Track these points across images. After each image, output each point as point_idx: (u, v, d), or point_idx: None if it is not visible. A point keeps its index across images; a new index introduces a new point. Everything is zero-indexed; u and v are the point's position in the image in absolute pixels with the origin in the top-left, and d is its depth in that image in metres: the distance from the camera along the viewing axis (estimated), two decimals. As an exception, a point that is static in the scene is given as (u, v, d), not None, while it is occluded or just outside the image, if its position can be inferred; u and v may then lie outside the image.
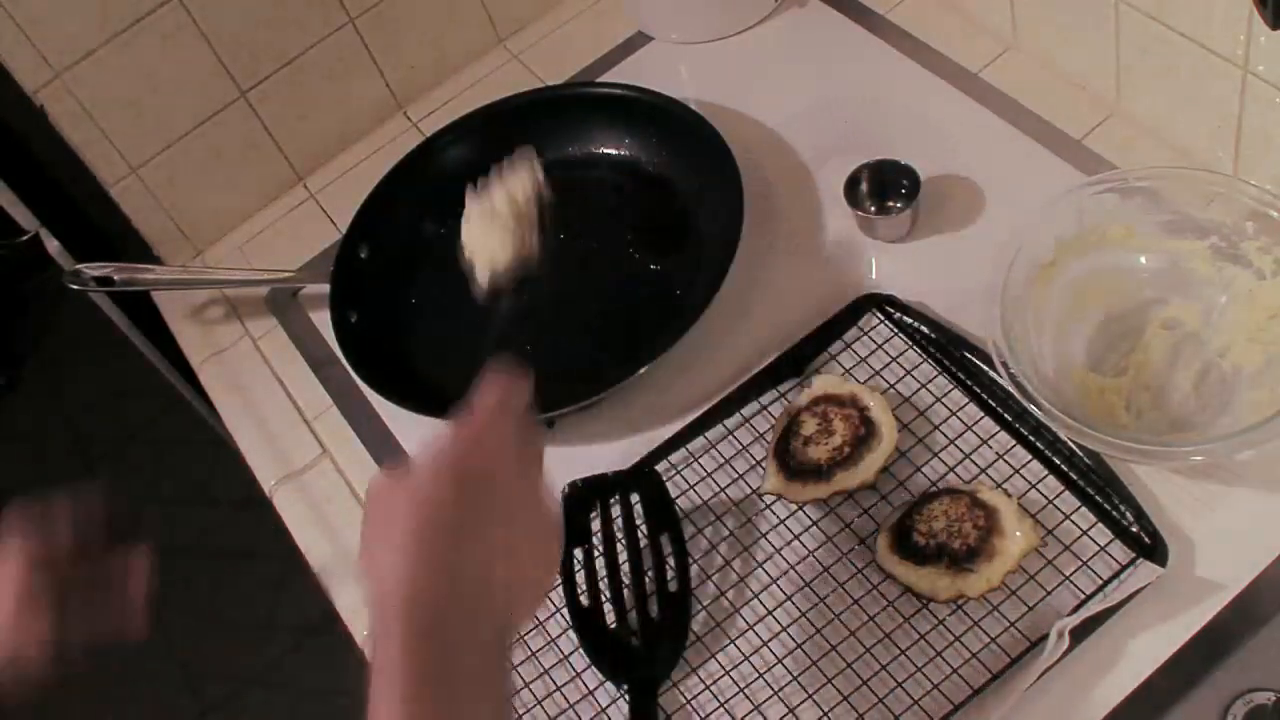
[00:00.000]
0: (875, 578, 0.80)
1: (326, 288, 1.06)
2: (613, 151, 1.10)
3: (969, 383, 0.86)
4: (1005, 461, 0.82)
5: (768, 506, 0.86)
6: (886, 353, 0.90)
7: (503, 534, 0.61)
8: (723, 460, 0.89)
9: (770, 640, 0.80)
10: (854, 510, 0.84)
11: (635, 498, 0.84)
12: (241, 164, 1.18)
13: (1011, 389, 0.79)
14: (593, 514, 0.83)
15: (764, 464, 0.87)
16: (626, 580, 0.80)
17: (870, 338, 0.91)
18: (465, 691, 0.56)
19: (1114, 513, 0.78)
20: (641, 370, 0.92)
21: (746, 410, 0.91)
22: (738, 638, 0.81)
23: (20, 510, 0.75)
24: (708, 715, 0.78)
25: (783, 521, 0.85)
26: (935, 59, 1.08)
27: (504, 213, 0.87)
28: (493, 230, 0.86)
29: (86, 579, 0.76)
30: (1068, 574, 0.77)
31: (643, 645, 0.78)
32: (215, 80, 1.11)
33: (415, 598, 0.57)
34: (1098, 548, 0.78)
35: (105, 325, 1.45)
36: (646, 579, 0.80)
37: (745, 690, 0.79)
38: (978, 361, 0.86)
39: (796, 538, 0.84)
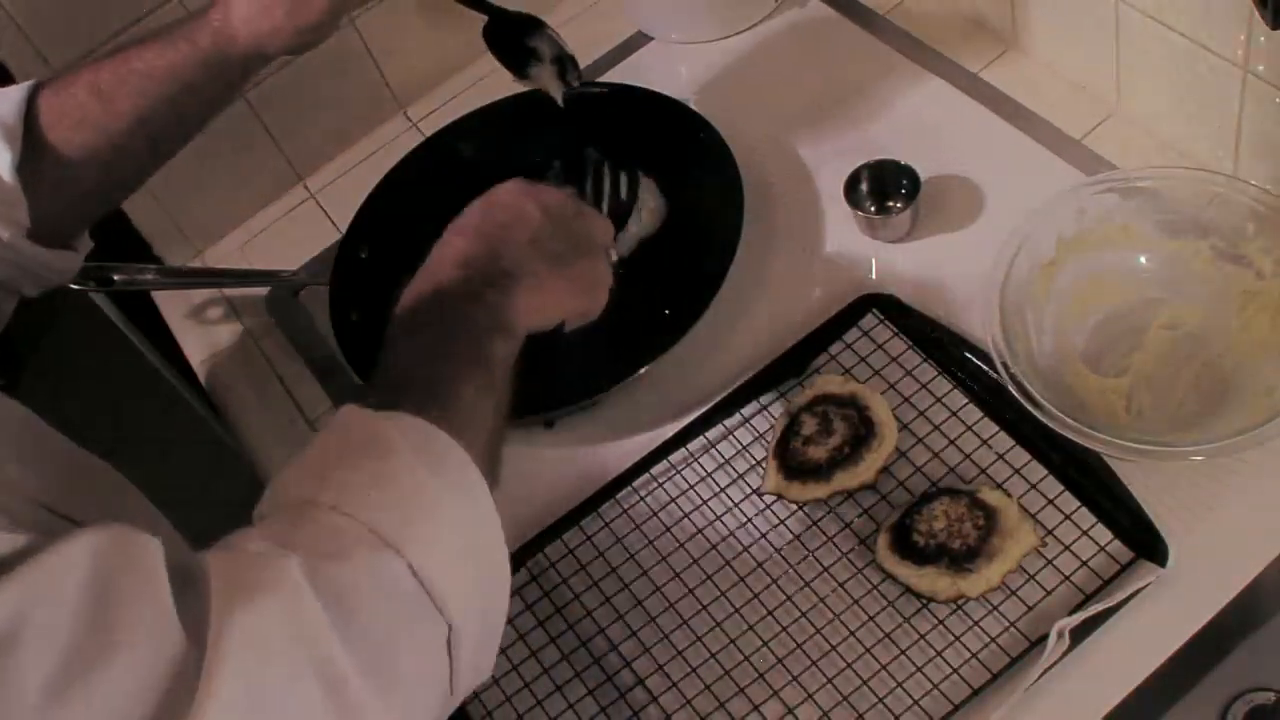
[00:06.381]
0: (875, 578, 0.80)
1: (326, 288, 1.06)
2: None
3: (969, 383, 0.86)
4: (1005, 462, 0.82)
5: (768, 506, 0.86)
6: (886, 353, 0.90)
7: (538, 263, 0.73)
8: (723, 460, 0.89)
9: (770, 640, 0.80)
10: (854, 510, 0.84)
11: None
12: (241, 164, 1.18)
13: (1012, 389, 0.79)
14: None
15: (764, 464, 0.87)
16: None
17: (870, 338, 0.91)
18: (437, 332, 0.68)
19: (1114, 513, 0.78)
20: (641, 370, 0.92)
21: (746, 410, 0.91)
22: (738, 637, 0.81)
23: None
24: (707, 715, 0.78)
25: (783, 521, 0.85)
26: (935, 59, 1.08)
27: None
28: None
29: None
30: (1068, 574, 0.77)
31: None
32: (215, 80, 1.11)
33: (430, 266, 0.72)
34: (1098, 548, 0.78)
35: (105, 325, 1.45)
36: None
37: (745, 690, 0.79)
38: (978, 362, 0.86)
39: (796, 538, 0.84)
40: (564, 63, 0.99)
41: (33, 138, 0.81)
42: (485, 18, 0.96)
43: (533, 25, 0.97)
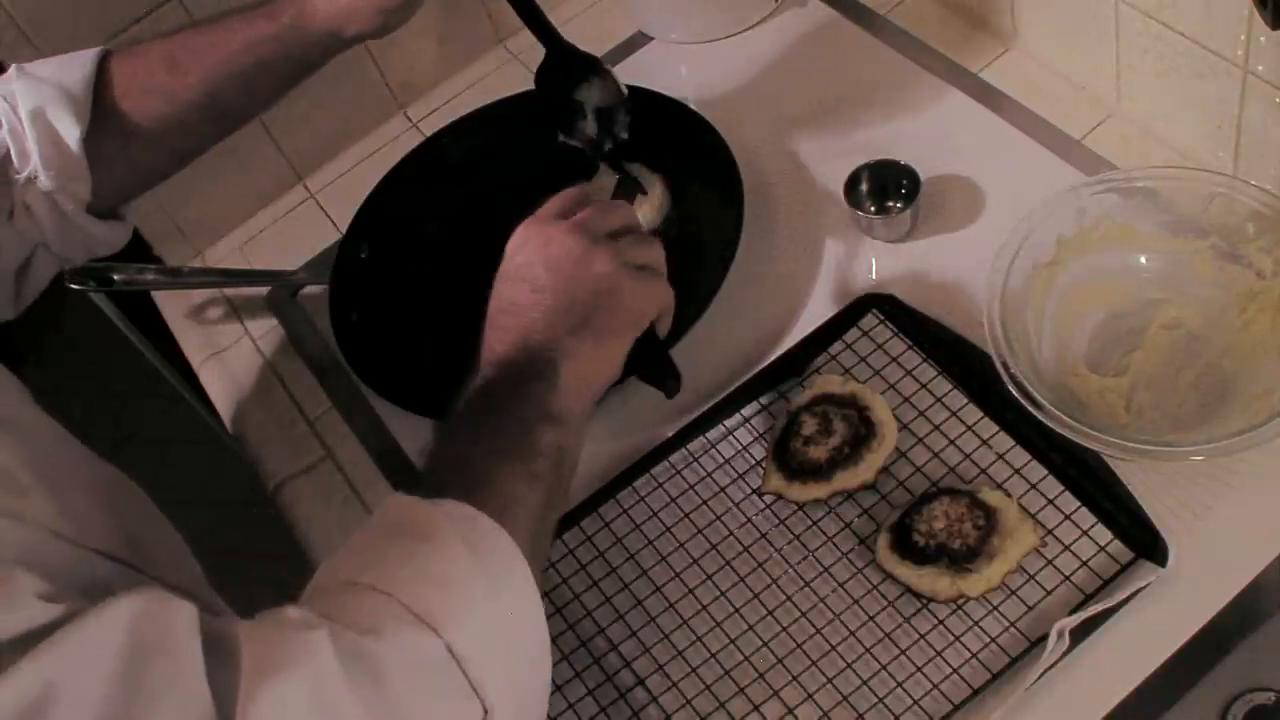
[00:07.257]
0: (875, 578, 0.80)
1: (326, 288, 1.06)
2: (612, 151, 1.10)
3: (969, 383, 0.86)
4: (1005, 462, 0.82)
5: (768, 506, 0.86)
6: (886, 353, 0.90)
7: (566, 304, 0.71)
8: (723, 460, 0.89)
9: (771, 640, 0.80)
10: (854, 510, 0.84)
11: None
12: (241, 164, 1.18)
13: (1011, 389, 0.79)
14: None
15: (764, 464, 0.87)
16: None
17: (870, 338, 0.91)
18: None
19: (1114, 513, 0.78)
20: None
21: (746, 410, 0.91)
22: (738, 637, 0.81)
23: None
24: (707, 715, 0.78)
25: (783, 521, 0.85)
26: (935, 59, 1.08)
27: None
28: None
29: None
30: (1068, 574, 0.77)
31: None
32: (215, 80, 1.11)
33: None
34: (1098, 548, 0.78)
35: (105, 325, 1.45)
36: None
37: (745, 690, 0.79)
38: (978, 362, 0.86)
39: (796, 538, 0.84)
40: (614, 112, 0.96)
41: (101, 106, 0.80)
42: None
43: (592, 69, 0.93)
